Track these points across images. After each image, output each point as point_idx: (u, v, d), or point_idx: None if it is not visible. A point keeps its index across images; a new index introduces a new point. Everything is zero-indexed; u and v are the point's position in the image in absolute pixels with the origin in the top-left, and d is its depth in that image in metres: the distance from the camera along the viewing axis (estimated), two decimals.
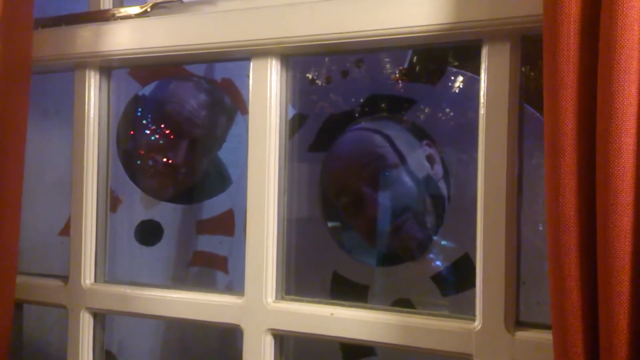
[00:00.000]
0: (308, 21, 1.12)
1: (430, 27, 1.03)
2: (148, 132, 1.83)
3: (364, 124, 1.68)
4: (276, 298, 1.20)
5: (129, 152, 1.83)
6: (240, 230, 1.86)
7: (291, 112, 1.33)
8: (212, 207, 1.94)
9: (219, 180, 1.92)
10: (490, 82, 1.03)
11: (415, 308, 1.50)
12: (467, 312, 1.06)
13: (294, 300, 1.20)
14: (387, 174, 1.57)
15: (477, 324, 1.03)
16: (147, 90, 1.84)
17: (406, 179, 1.57)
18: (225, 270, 1.92)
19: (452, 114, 1.63)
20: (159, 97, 1.85)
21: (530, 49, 1.03)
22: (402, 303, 1.52)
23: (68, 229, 1.45)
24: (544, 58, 0.84)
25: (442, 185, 1.59)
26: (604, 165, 0.77)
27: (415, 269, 1.62)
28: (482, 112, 1.04)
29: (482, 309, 1.03)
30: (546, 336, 0.94)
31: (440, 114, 1.65)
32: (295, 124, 1.60)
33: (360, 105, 1.72)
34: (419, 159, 1.58)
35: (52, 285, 1.41)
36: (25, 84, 1.31)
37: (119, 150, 1.74)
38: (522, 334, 1.01)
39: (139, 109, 1.84)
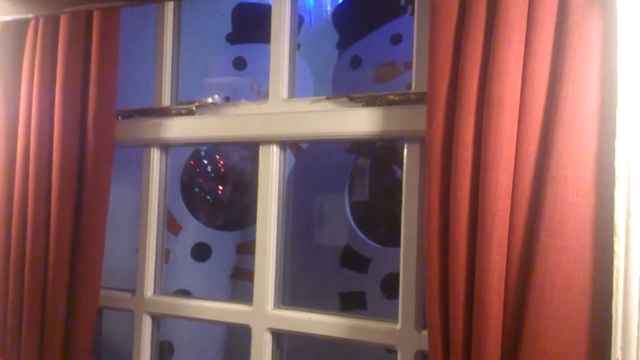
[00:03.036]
0: (297, 124, 1.72)
1: (371, 132, 1.61)
2: (202, 177, 2.52)
3: None
4: (274, 307, 1.77)
5: (189, 191, 2.53)
6: None
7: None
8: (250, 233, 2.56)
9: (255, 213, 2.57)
10: (408, 163, 1.59)
11: None
12: None
13: (286, 308, 1.77)
14: None
15: (399, 325, 1.58)
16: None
17: None
18: None
19: None
20: (211, 151, 2.52)
21: None
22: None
23: None
24: (425, 157, 1.40)
25: None
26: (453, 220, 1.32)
27: None
28: (404, 183, 1.60)
29: (402, 316, 1.57)
30: None
31: None
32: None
33: None
34: None
35: (124, 296, 2.01)
36: (110, 159, 1.91)
37: (182, 190, 2.45)
38: (425, 333, 1.54)
39: (197, 161, 2.53)
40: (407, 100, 1.61)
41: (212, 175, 2.57)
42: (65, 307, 1.88)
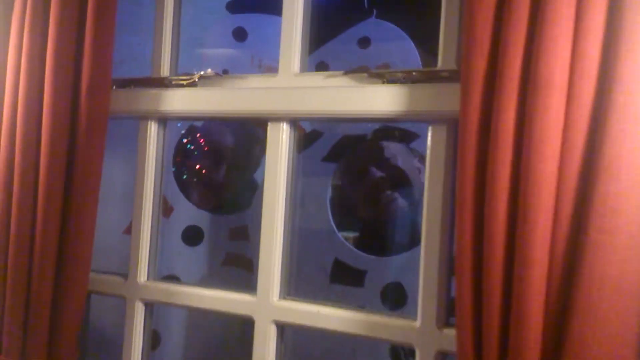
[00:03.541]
0: (310, 101, 1.57)
1: (392, 112, 1.47)
2: (196, 156, 2.34)
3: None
4: (279, 297, 1.64)
5: (182, 171, 2.36)
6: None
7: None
8: (244, 217, 2.40)
9: (251, 197, 2.40)
10: (433, 147, 1.46)
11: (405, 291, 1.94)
12: None
13: (292, 299, 1.64)
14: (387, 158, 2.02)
15: (418, 322, 1.46)
16: (199, 122, 2.34)
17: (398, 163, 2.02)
18: (251, 269, 2.38)
19: None
20: (207, 128, 2.34)
21: None
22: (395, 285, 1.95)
23: (129, 230, 1.94)
24: (458, 141, 1.27)
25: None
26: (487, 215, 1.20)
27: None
28: (427, 169, 1.47)
29: (421, 313, 1.45)
30: None
31: None
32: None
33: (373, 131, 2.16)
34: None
35: (115, 281, 1.87)
36: (103, 131, 1.75)
37: (175, 170, 2.26)
38: (447, 331, 1.43)
39: (191, 137, 2.35)
40: (433, 78, 1.47)
41: (207, 154, 2.39)
42: (52, 291, 1.74)
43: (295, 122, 1.66)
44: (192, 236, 2.44)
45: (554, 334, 1.15)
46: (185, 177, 2.41)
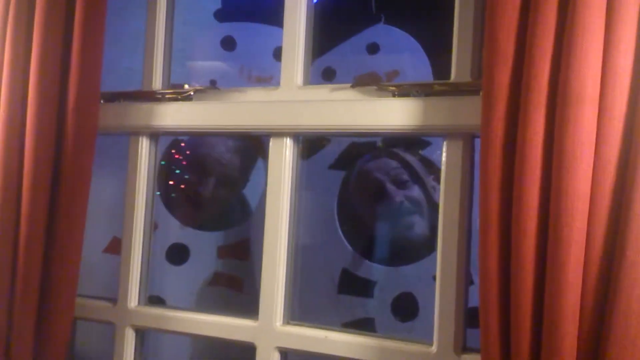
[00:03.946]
0: (315, 114, 1.49)
1: (405, 127, 1.40)
2: (182, 170, 2.21)
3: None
4: (283, 323, 1.55)
5: (167, 186, 2.22)
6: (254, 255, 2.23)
7: None
8: (234, 234, 2.29)
9: (241, 213, 2.29)
10: (448, 163, 1.39)
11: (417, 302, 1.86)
12: None
13: (297, 324, 1.55)
14: (404, 181, 1.93)
15: (434, 348, 1.38)
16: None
17: (416, 200, 1.93)
18: (240, 289, 2.27)
19: None
20: (193, 141, 2.21)
21: None
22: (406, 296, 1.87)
23: (111, 248, 1.82)
24: (480, 157, 1.20)
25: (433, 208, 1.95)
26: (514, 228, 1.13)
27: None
28: (442, 187, 1.40)
29: (438, 337, 1.37)
30: None
31: None
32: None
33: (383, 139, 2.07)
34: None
35: (103, 306, 1.75)
36: (92, 148, 1.64)
37: (159, 184, 2.13)
38: (467, 357, 1.35)
39: (177, 150, 2.22)
40: (447, 91, 1.40)
41: (194, 168, 2.25)
42: (35, 318, 1.62)
43: (298, 136, 1.58)
44: (177, 255, 2.30)
45: None
46: (172, 194, 2.28)
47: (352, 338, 1.46)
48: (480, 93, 1.35)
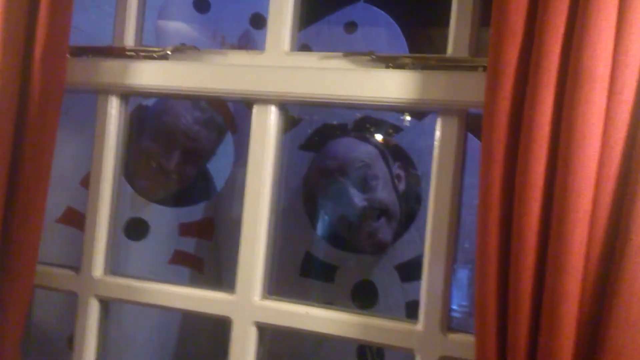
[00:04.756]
0: (303, 82, 1.43)
1: (399, 100, 1.35)
2: (146, 138, 2.06)
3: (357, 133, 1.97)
4: (262, 297, 1.49)
5: (128, 155, 2.08)
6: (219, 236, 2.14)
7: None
8: (195, 212, 2.19)
9: (204, 189, 2.19)
10: (442, 140, 1.36)
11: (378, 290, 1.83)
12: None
13: (276, 299, 1.50)
14: (368, 179, 1.88)
15: (419, 326, 1.36)
16: (151, 101, 2.08)
17: (379, 187, 1.88)
18: (201, 270, 2.18)
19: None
20: (159, 109, 2.07)
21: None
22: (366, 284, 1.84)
23: (65, 219, 1.71)
24: (482, 135, 1.18)
25: (398, 201, 1.92)
26: (517, 219, 1.11)
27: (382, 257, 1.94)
28: (435, 163, 1.36)
29: (424, 315, 1.35)
30: (469, 338, 1.27)
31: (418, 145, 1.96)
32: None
33: (355, 121, 2.01)
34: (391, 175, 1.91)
35: (65, 274, 1.65)
36: (58, 103, 1.53)
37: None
38: (453, 336, 1.34)
39: (141, 118, 2.07)
40: (444, 65, 1.36)
41: (159, 136, 2.08)
42: None
43: (285, 105, 1.51)
44: (135, 229, 2.17)
45: (587, 344, 1.08)
46: (133, 163, 2.12)
47: (335, 314, 1.42)
48: (479, 69, 1.33)
